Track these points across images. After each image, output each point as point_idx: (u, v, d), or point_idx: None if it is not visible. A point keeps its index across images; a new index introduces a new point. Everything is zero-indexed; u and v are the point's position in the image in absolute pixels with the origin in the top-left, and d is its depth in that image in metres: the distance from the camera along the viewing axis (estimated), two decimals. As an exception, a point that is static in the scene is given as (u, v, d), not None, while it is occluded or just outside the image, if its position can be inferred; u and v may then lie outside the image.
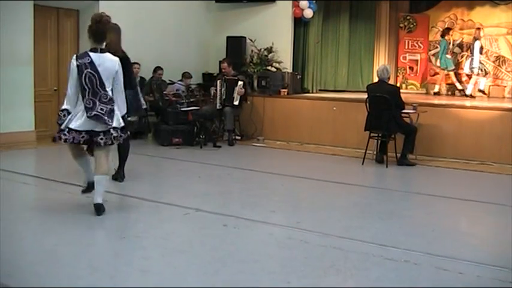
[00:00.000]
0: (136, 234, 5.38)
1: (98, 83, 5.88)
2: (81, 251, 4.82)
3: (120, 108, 6.11)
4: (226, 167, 9.11)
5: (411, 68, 15.40)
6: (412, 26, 15.35)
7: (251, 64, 13.21)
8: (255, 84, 13.08)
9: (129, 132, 6.51)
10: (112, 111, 5.95)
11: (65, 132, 5.86)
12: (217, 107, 11.57)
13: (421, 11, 15.29)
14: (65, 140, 5.89)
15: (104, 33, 6.03)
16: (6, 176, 7.72)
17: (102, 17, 6.07)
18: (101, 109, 5.87)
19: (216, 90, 11.66)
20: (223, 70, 11.90)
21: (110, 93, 5.96)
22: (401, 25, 15.41)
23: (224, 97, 11.55)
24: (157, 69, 12.46)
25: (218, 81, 11.65)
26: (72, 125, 5.85)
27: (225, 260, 4.68)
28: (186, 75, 12.64)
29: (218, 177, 8.41)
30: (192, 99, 11.68)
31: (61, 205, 6.42)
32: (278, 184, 8.08)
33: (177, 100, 11.59)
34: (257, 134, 12.25)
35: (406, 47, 15.37)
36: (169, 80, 12.32)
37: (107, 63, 5.95)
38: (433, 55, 14.93)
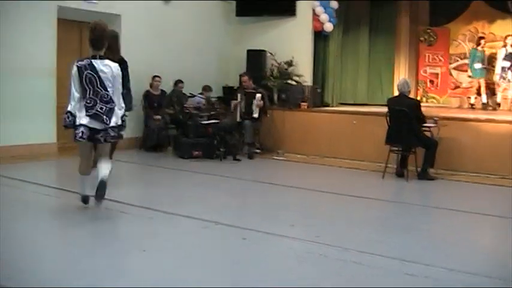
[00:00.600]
0: (156, 247, 5.39)
1: (99, 83, 6.26)
2: (102, 263, 4.86)
3: (119, 108, 6.46)
4: (245, 180, 9.13)
5: (432, 82, 15.35)
6: (432, 39, 15.31)
7: (271, 77, 13.23)
8: (275, 97, 13.10)
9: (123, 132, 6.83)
10: (111, 110, 6.31)
11: (78, 127, 6.24)
12: (237, 120, 11.60)
13: (441, 24, 15.25)
14: (81, 136, 6.23)
15: (101, 40, 6.36)
16: (27, 187, 7.82)
17: (97, 24, 6.44)
18: (101, 108, 6.25)
19: (236, 103, 11.70)
20: (243, 83, 11.95)
21: (110, 93, 6.30)
22: (421, 38, 15.38)
23: (244, 110, 11.59)
24: (178, 82, 12.53)
25: (238, 95, 11.71)
26: (82, 121, 6.23)
27: (244, 274, 4.69)
28: (206, 89, 12.71)
29: (238, 190, 8.44)
30: (212, 112, 11.73)
31: (81, 217, 6.49)
32: (297, 198, 8.07)
33: (198, 113, 11.65)
34: (277, 147, 12.26)
35: (427, 61, 15.34)
36: (190, 93, 12.38)
37: (106, 68, 6.29)
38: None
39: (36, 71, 10.48)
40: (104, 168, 6.39)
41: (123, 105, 6.56)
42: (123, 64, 7.10)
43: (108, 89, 6.29)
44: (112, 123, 6.33)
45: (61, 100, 10.97)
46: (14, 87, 10.04)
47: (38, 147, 10.49)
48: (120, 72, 6.46)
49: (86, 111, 6.24)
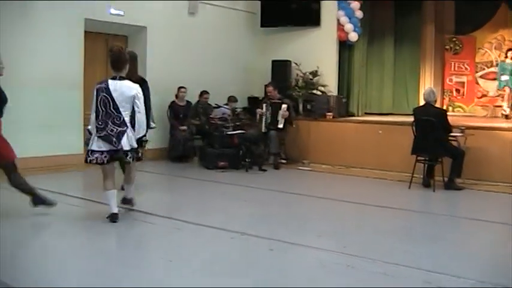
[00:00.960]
0: (183, 258, 5.42)
1: (112, 106, 6.38)
2: (128, 273, 4.90)
3: (138, 130, 6.54)
4: (271, 191, 9.13)
5: (458, 91, 15.26)
6: (458, 47, 15.23)
7: (296, 88, 13.25)
8: (300, 108, 13.10)
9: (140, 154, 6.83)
10: (122, 133, 6.39)
11: (89, 154, 6.43)
12: (263, 131, 11.63)
13: (467, 33, 15.15)
14: (90, 161, 6.43)
15: (118, 61, 6.55)
16: (54, 197, 7.88)
17: (113, 46, 6.75)
18: (111, 130, 6.38)
19: (261, 113, 11.73)
20: (268, 94, 11.97)
21: (124, 116, 6.40)
22: (447, 47, 15.31)
23: (269, 121, 11.61)
24: (204, 93, 12.59)
25: (264, 105, 11.73)
26: (93, 147, 6.40)
27: (271, 284, 4.70)
28: (231, 99, 12.77)
29: (264, 201, 8.44)
30: (237, 123, 11.77)
31: (107, 227, 6.55)
32: (323, 208, 8.05)
33: (223, 124, 11.69)
34: (302, 157, 12.25)
35: (452, 69, 15.26)
36: (215, 104, 12.44)
37: (124, 89, 6.43)
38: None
39: (64, 83, 10.61)
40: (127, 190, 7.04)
41: (144, 126, 6.62)
42: (143, 84, 7.19)
43: (121, 112, 6.41)
44: (125, 147, 6.42)
45: (88, 112, 11.08)
46: (41, 99, 10.18)
47: (65, 158, 10.60)
48: (141, 94, 6.54)
49: (97, 131, 6.43)
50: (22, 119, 6.91)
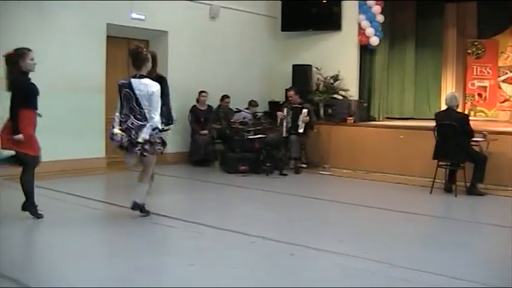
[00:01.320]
0: (204, 262, 5.43)
1: (134, 101, 6.68)
2: (149, 278, 4.91)
3: (154, 123, 6.72)
4: (292, 195, 9.13)
5: (480, 95, 15.11)
6: (480, 52, 15.09)
7: (317, 92, 13.22)
8: (321, 112, 13.08)
9: (159, 147, 6.93)
10: (141, 127, 6.64)
11: (112, 137, 6.77)
12: (284, 135, 11.62)
13: (489, 37, 14.99)
14: (119, 142, 6.75)
15: (136, 60, 6.89)
16: (76, 200, 7.98)
17: (133, 46, 7.14)
18: (132, 123, 6.69)
19: (282, 116, 11.73)
20: (289, 98, 11.97)
21: (145, 111, 6.66)
22: (469, 51, 15.17)
23: (290, 125, 11.61)
24: (224, 97, 12.62)
25: (284, 109, 11.73)
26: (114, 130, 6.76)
27: (292, 290, 4.70)
28: (252, 103, 12.79)
29: (284, 205, 8.44)
30: (258, 127, 11.77)
31: (129, 230, 6.64)
32: (344, 213, 8.03)
33: (244, 128, 11.71)
34: (323, 162, 12.24)
35: (475, 73, 15.11)
36: (236, 108, 12.46)
37: (142, 86, 6.70)
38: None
39: (86, 88, 10.72)
40: (137, 192, 7.07)
41: (156, 124, 6.75)
42: (161, 81, 7.34)
43: (143, 107, 6.68)
44: (140, 139, 6.63)
45: (110, 115, 11.18)
46: (64, 103, 10.26)
47: (88, 161, 10.70)
48: (158, 91, 6.73)
49: (119, 124, 6.76)
50: (44, 123, 6.96)
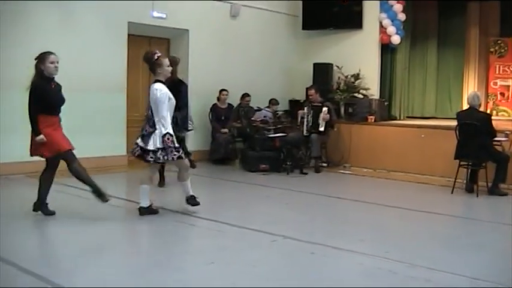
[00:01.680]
0: (224, 260, 5.45)
1: (148, 107, 6.92)
2: (171, 276, 4.93)
3: (162, 130, 6.74)
4: (313, 194, 9.13)
5: (502, 94, 14.97)
6: (503, 50, 14.94)
7: (338, 91, 13.20)
8: (342, 111, 13.05)
9: (174, 154, 6.89)
10: (150, 134, 6.73)
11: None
12: (304, 134, 11.61)
13: (512, 35, 14.89)
14: (132, 152, 7.06)
15: (150, 65, 6.98)
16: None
17: (145, 52, 7.23)
18: (146, 130, 6.80)
19: (303, 114, 11.73)
20: (310, 97, 11.95)
21: (155, 117, 6.75)
22: (491, 50, 15.02)
23: (311, 124, 11.59)
24: (245, 96, 12.64)
25: (305, 108, 11.72)
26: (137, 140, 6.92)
27: (313, 289, 4.70)
28: (273, 102, 12.80)
29: (305, 204, 8.44)
30: (278, 126, 11.78)
31: (150, 228, 6.73)
32: (365, 212, 8.01)
33: (264, 126, 11.72)
34: (343, 161, 12.21)
35: (497, 72, 14.96)
36: (257, 107, 12.48)
37: (152, 91, 6.83)
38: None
39: (108, 87, 10.80)
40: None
41: (162, 129, 6.76)
42: (180, 86, 7.48)
43: (153, 113, 6.77)
44: (150, 147, 6.72)
45: (131, 114, 11.27)
46: (86, 102, 10.36)
47: (109, 159, 10.78)
48: (162, 95, 6.74)
49: (140, 131, 6.96)
50: (66, 122, 7.03)
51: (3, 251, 5.39)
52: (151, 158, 6.75)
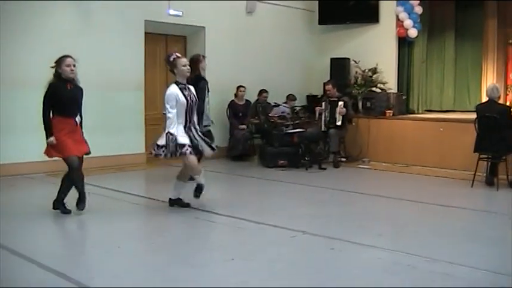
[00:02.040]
0: (244, 257, 5.46)
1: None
2: (190, 272, 4.97)
3: (166, 128, 6.96)
4: (331, 189, 9.12)
5: (521, 86, 14.87)
6: (522, 42, 14.83)
7: (355, 85, 13.17)
8: (360, 105, 13.02)
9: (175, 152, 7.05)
10: (163, 130, 6.96)
11: None
12: (322, 129, 11.61)
13: (531, 26, 14.75)
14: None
15: (169, 66, 7.14)
16: (116, 195, 8.11)
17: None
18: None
19: (320, 110, 11.72)
20: (327, 92, 11.94)
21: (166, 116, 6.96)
22: (510, 41, 14.91)
23: (328, 119, 11.58)
24: (262, 91, 12.65)
25: (323, 103, 11.72)
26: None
27: (332, 283, 4.70)
28: (290, 98, 12.81)
29: (324, 200, 8.43)
30: (296, 121, 11.78)
31: (169, 225, 6.78)
32: (384, 207, 8.01)
33: (282, 122, 11.72)
34: (362, 155, 12.19)
35: (516, 64, 14.87)
36: (274, 103, 12.50)
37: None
38: None
39: (126, 85, 10.87)
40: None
41: (168, 124, 6.97)
42: (198, 82, 7.72)
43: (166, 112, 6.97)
44: (158, 142, 6.96)
45: (148, 112, 11.32)
46: (104, 101, 10.45)
47: (128, 157, 10.86)
48: (170, 95, 6.92)
49: None
50: (85, 120, 7.09)
51: (23, 248, 5.47)
52: (154, 151, 7.02)
